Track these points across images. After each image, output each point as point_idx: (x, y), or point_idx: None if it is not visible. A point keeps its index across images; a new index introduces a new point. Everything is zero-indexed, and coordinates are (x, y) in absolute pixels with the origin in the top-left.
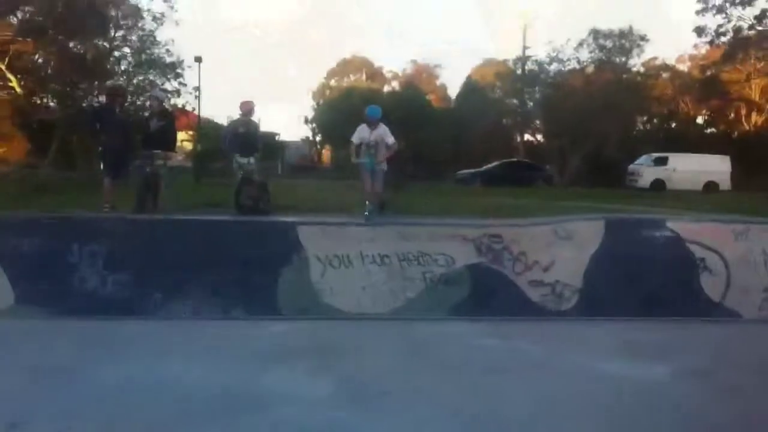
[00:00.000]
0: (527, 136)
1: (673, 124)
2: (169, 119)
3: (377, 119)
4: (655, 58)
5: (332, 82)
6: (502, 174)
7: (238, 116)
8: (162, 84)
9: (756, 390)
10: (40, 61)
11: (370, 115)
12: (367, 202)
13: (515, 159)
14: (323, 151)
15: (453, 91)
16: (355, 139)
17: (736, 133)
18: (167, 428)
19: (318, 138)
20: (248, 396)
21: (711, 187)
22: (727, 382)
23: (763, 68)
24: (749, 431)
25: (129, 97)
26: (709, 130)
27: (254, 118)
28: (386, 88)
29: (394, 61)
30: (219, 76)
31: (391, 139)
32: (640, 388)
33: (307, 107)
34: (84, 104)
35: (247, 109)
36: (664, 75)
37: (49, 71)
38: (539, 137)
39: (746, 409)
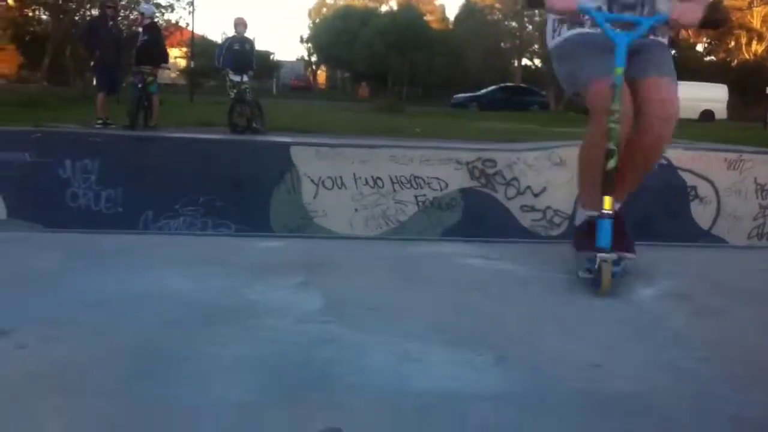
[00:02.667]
0: (525, 61)
1: (674, 52)
2: (155, 33)
3: None
4: None
5: (329, 1)
6: (498, 98)
7: (233, 33)
8: None
9: (733, 311)
10: None
11: None
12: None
13: (512, 84)
14: (318, 71)
15: (452, 12)
16: None
17: (735, 61)
18: (154, 334)
19: (314, 58)
20: (236, 307)
21: (707, 115)
22: (707, 304)
23: None
24: (725, 347)
25: (122, 11)
26: (708, 58)
27: (249, 35)
28: (383, 8)
29: None
30: None
31: None
32: (621, 306)
33: (304, 26)
34: (77, 17)
35: (241, 26)
36: None
37: None
38: (537, 62)
39: (722, 328)
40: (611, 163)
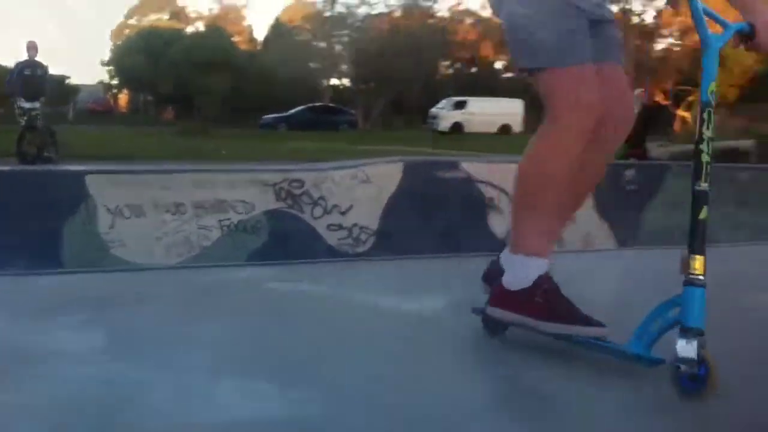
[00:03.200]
0: (334, 80)
1: (474, 69)
2: None
3: None
4: (460, 3)
5: (132, 21)
6: (307, 118)
7: (25, 58)
8: None
9: None
10: None
11: None
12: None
13: (321, 103)
14: (120, 95)
15: (261, 33)
16: None
17: None
18: None
19: (115, 81)
20: (14, 351)
21: (505, 129)
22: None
23: None
24: (516, 353)
25: None
26: (506, 75)
27: (42, 60)
28: (189, 29)
29: (198, 1)
30: (8, 16)
31: None
32: (415, 319)
33: (106, 49)
34: None
35: (32, 50)
36: (468, 21)
37: None
38: (346, 81)
39: (511, 333)
40: (705, 212)
